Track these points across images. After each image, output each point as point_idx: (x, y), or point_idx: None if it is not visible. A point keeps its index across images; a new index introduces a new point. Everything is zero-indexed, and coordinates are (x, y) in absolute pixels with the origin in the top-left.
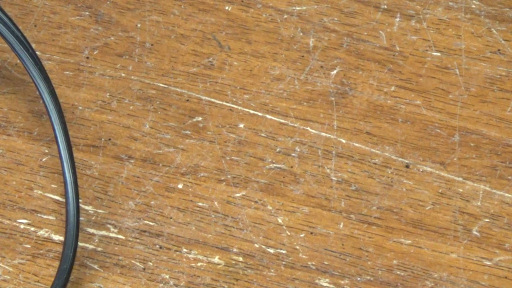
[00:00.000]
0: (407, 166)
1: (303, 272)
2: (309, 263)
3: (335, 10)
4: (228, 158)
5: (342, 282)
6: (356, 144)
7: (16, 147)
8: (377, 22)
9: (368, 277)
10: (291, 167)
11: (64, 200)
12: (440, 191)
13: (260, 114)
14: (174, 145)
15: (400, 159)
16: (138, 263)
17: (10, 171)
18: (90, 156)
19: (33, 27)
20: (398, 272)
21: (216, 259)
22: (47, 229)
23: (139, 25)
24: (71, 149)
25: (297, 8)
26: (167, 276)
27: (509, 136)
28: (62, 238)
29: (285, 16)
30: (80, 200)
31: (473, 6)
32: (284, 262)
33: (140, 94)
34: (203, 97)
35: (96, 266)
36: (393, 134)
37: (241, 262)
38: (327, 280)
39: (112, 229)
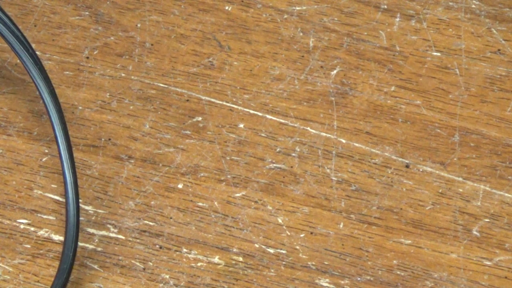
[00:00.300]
0: (407, 166)
1: (303, 272)
2: (309, 263)
3: (335, 10)
4: (228, 158)
5: (342, 282)
6: (356, 144)
7: (16, 147)
8: (377, 22)
9: (368, 277)
10: (291, 167)
11: (64, 200)
12: (440, 191)
13: (260, 114)
14: (174, 145)
15: (400, 159)
16: (138, 263)
17: (10, 171)
18: (90, 156)
19: (33, 27)
20: (398, 272)
21: (216, 259)
22: (47, 229)
23: (139, 25)
24: (71, 149)
25: (297, 8)
26: (167, 276)
27: (509, 136)
28: (62, 238)
29: (285, 16)
30: (80, 200)
31: (473, 6)
32: (284, 262)
33: (140, 94)
34: (203, 97)
35: (96, 266)
36: (393, 134)
37: (241, 262)
38: (327, 280)
39: (112, 229)
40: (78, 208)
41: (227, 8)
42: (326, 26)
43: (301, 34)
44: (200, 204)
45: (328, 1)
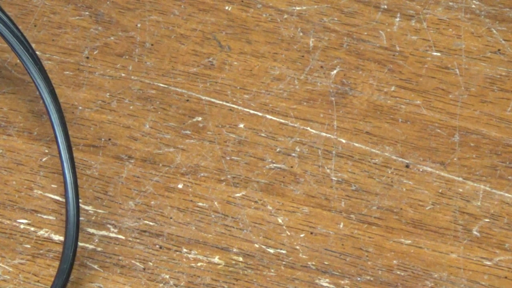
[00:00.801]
0: (407, 166)
1: (303, 272)
2: (309, 263)
3: (335, 10)
4: (228, 158)
5: (342, 282)
6: (356, 144)
7: (16, 147)
8: (377, 22)
9: (368, 277)
10: (291, 167)
11: (64, 200)
12: (440, 191)
13: (260, 114)
14: (174, 145)
15: (400, 159)
16: (138, 263)
17: (10, 171)
18: (90, 156)
19: (33, 27)
20: (398, 272)
21: (216, 259)
22: (47, 229)
23: (139, 25)
24: (71, 149)
25: (297, 8)
26: (167, 276)
27: (509, 136)
28: (62, 238)
29: (285, 16)
30: (80, 200)
31: (473, 6)
32: (284, 262)
33: (140, 94)
34: (203, 97)
35: (96, 266)
36: (393, 134)
37: (241, 262)
38: (327, 280)
39: (112, 229)
40: (78, 208)
41: (227, 8)
42: (326, 26)
43: (301, 34)
44: (200, 204)
45: (328, 1)
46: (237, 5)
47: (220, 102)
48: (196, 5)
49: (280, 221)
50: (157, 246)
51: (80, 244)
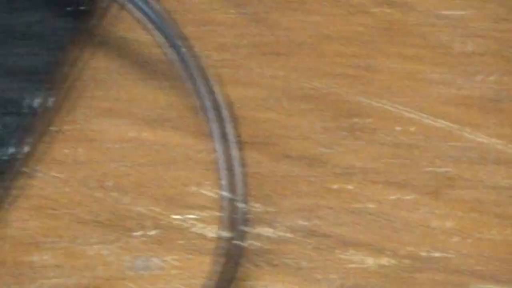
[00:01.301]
0: None
1: (470, 277)
2: (475, 268)
3: (493, 16)
4: (385, 160)
5: None
6: None
7: (172, 143)
8: None
9: None
10: (453, 171)
11: (218, 197)
12: None
13: (417, 117)
14: (331, 146)
15: None
16: (303, 263)
17: (166, 167)
18: (247, 154)
19: (191, 24)
20: None
21: (377, 261)
22: (203, 225)
23: (296, 24)
24: (229, 147)
25: (454, 13)
26: (334, 277)
27: None
28: (215, 235)
29: (442, 21)
30: (240, 198)
31: None
32: (448, 267)
33: (298, 94)
34: (361, 99)
35: (260, 265)
36: None
37: (401, 265)
38: (494, 286)
39: (275, 228)
40: (240, 206)
41: (383, 10)
42: (484, 32)
43: (458, 39)
44: (356, 205)
45: (487, 7)
46: (391, 8)
47: (378, 105)
48: (357, 6)
49: (445, 225)
50: (323, 246)
51: (240, 242)
